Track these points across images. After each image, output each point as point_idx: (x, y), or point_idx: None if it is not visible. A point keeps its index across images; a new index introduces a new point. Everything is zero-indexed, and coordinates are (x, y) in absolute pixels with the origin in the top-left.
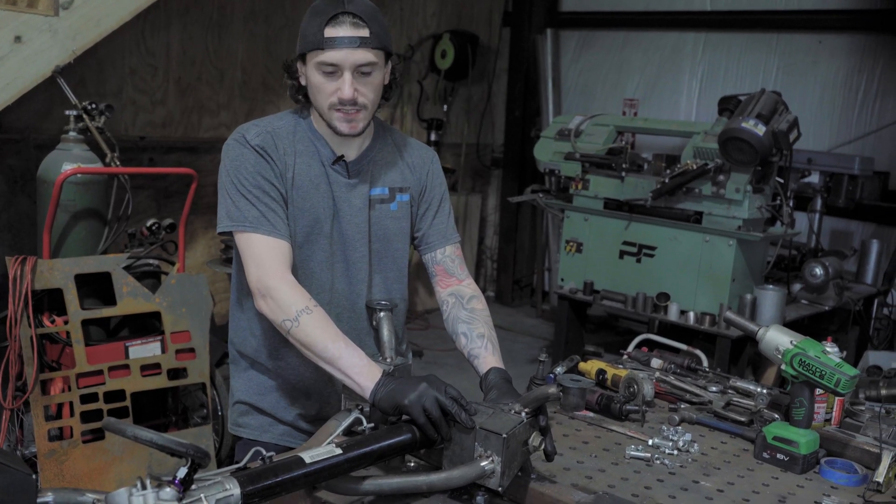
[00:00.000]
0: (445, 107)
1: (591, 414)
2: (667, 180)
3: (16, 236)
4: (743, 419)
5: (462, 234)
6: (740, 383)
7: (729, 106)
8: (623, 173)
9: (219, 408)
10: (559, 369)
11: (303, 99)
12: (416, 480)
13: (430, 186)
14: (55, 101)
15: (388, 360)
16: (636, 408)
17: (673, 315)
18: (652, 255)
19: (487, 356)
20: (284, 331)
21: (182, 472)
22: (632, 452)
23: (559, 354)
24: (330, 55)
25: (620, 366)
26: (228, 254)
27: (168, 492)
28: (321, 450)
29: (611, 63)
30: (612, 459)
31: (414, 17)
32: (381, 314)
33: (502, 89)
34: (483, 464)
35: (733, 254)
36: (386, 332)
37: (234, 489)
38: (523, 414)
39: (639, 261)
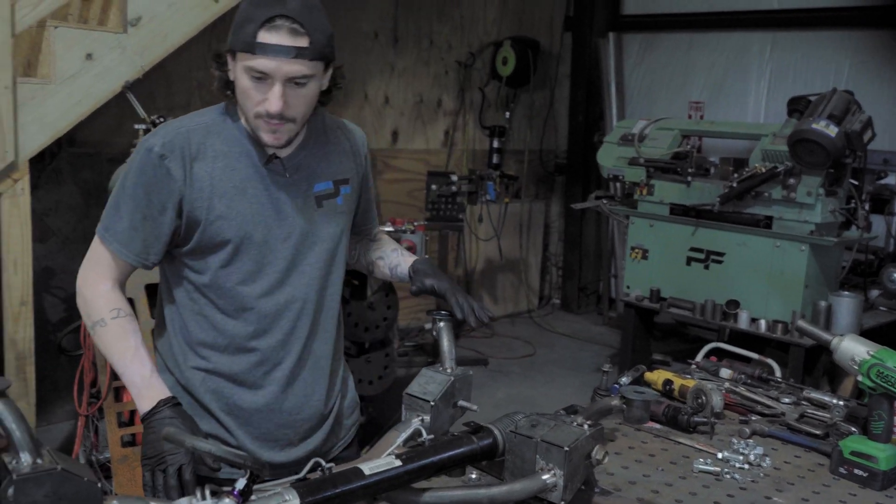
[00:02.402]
0: (507, 114)
1: (657, 426)
2: (734, 184)
3: None
4: (818, 432)
5: (526, 242)
6: (815, 394)
7: (798, 107)
8: (689, 178)
9: None
10: (624, 379)
11: (231, 94)
12: (476, 494)
13: (366, 171)
14: (125, 115)
15: (449, 370)
16: (705, 420)
17: (743, 323)
18: (720, 262)
19: (407, 258)
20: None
21: (241, 484)
22: (700, 466)
23: (626, 363)
24: (260, 63)
25: (688, 376)
26: None
27: (227, 502)
28: (381, 461)
29: (675, 65)
30: (679, 473)
31: (474, 24)
32: (441, 324)
33: (565, 95)
34: (545, 477)
35: (806, 259)
36: (445, 342)
37: (294, 500)
38: (586, 426)
39: (707, 267)
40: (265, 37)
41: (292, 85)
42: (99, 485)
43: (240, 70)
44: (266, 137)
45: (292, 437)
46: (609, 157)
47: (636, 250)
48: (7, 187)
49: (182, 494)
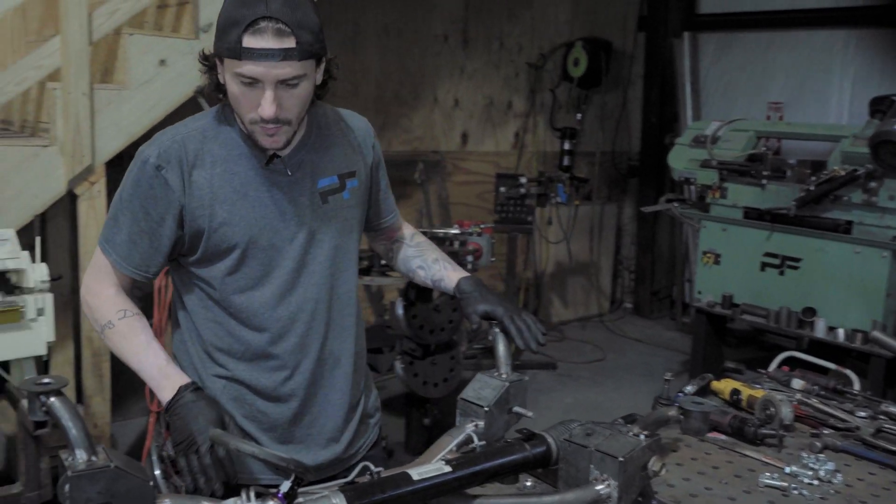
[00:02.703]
0: (579, 115)
1: (722, 437)
2: (812, 188)
3: None
4: (895, 448)
5: (598, 245)
6: (893, 408)
7: (881, 107)
8: (764, 181)
9: None
10: (689, 388)
11: (224, 97)
12: (527, 502)
13: (377, 162)
14: None
15: (504, 375)
16: (773, 432)
17: (820, 332)
18: (796, 268)
19: (450, 273)
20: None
21: (286, 486)
22: (766, 480)
23: (696, 371)
24: (248, 68)
25: (758, 386)
26: (360, 265)
27: None
28: (430, 467)
29: (753, 65)
30: (743, 487)
31: (545, 26)
32: (497, 329)
33: (638, 96)
34: (598, 487)
35: (888, 266)
36: (501, 348)
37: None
38: (642, 437)
39: (782, 273)
40: (250, 41)
41: (284, 87)
42: (151, 483)
43: (229, 76)
44: (264, 141)
45: (318, 439)
46: (681, 159)
47: (708, 255)
48: (84, 189)
49: (219, 473)
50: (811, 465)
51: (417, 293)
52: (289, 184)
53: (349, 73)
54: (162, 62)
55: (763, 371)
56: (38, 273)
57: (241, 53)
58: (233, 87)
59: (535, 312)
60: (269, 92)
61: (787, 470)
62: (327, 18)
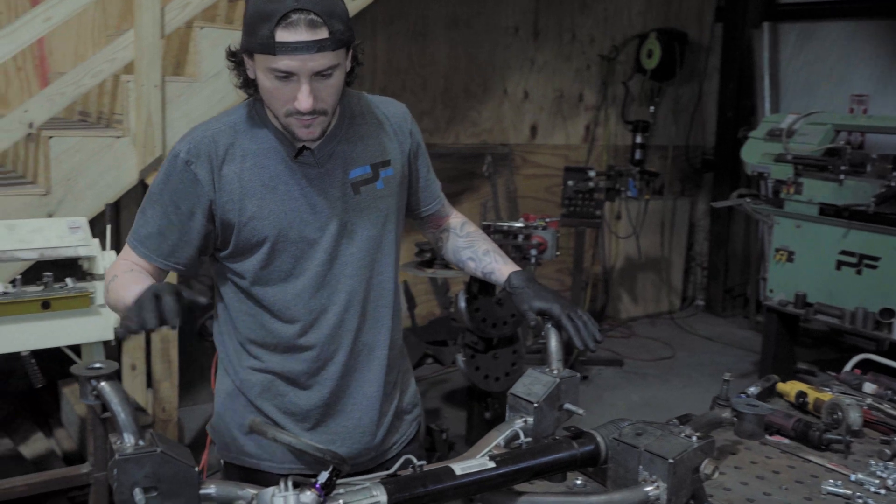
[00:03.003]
0: (652, 108)
1: (785, 441)
2: (893, 184)
3: None
4: None
5: (669, 240)
6: None
7: None
8: (841, 176)
9: None
10: (752, 389)
11: (253, 92)
12: (573, 501)
13: (417, 148)
14: None
15: (555, 371)
16: (839, 437)
17: None
18: (875, 267)
19: (501, 266)
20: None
21: (323, 477)
22: (829, 488)
23: (766, 371)
24: (283, 63)
25: (827, 389)
26: (423, 257)
27: (308, 495)
28: (473, 462)
29: (836, 56)
30: (804, 493)
31: (619, 17)
32: (550, 325)
33: (714, 88)
34: (647, 489)
35: None
36: (553, 343)
37: (381, 496)
38: (694, 438)
39: (859, 272)
40: (283, 35)
41: (318, 77)
42: (197, 469)
43: (261, 71)
44: (300, 133)
45: (352, 432)
46: (754, 153)
47: (781, 252)
48: None
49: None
50: (879, 473)
51: (480, 286)
52: (319, 176)
53: (417, 67)
54: None
55: (833, 374)
56: (107, 260)
57: (276, 48)
58: (266, 82)
59: (602, 308)
60: (304, 84)
61: (853, 478)
62: (396, 11)
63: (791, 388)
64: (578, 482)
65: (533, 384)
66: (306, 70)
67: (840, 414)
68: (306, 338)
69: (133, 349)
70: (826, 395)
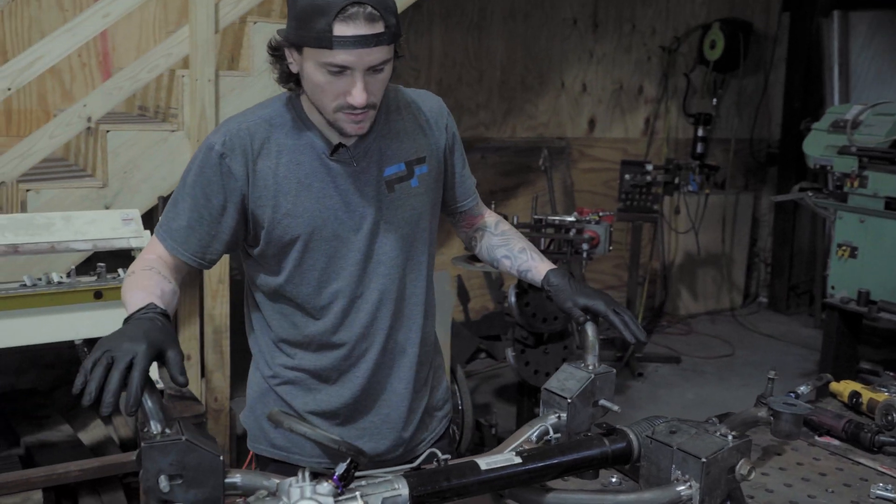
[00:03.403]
0: (714, 100)
1: (836, 442)
2: None
3: None
4: None
5: (730, 235)
6: None
7: None
8: None
9: (459, 402)
10: (802, 388)
11: (294, 86)
12: (602, 499)
13: (453, 143)
14: None
15: (590, 367)
16: (892, 439)
17: None
18: None
19: (537, 265)
20: None
21: (341, 469)
22: (879, 492)
23: (827, 371)
24: (340, 57)
25: (883, 389)
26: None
27: (325, 486)
28: (499, 457)
29: None
30: (852, 497)
31: (681, 7)
32: (587, 320)
33: (780, 80)
34: (679, 488)
35: None
36: (591, 338)
37: (403, 489)
38: (730, 437)
39: None
40: (341, 29)
41: (371, 72)
42: (222, 458)
43: (312, 65)
44: (349, 128)
45: (382, 428)
46: (817, 145)
47: (843, 248)
48: None
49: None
50: None
51: None
52: (354, 174)
53: (474, 60)
54: None
55: (892, 373)
56: None
57: (333, 42)
58: (317, 77)
59: (661, 305)
60: (359, 80)
61: None
62: (452, 3)
63: (844, 387)
64: (614, 480)
65: (567, 379)
66: (362, 64)
67: (894, 416)
68: (338, 335)
69: (188, 339)
70: (881, 396)
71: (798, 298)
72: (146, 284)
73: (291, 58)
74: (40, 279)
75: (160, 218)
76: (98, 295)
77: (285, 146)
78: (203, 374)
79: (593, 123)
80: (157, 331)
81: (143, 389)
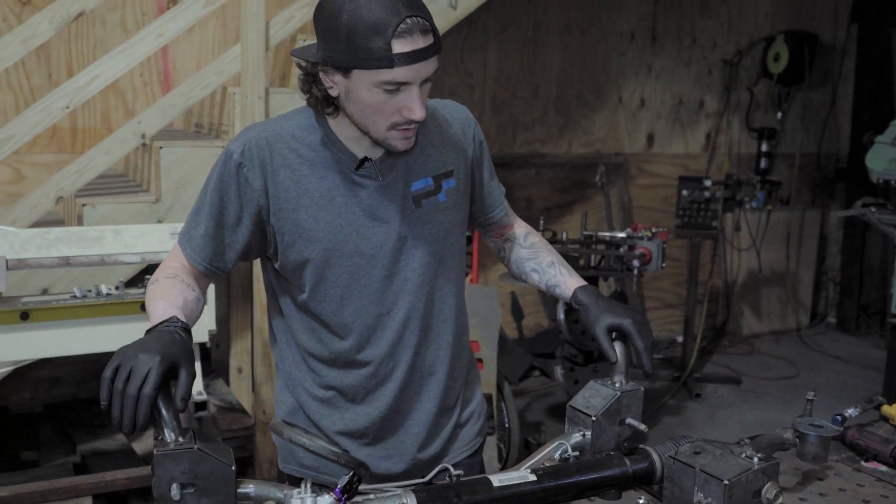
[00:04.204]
0: (780, 114)
1: (882, 467)
2: None
3: None
4: None
5: (796, 253)
6: None
7: None
8: None
9: (506, 419)
10: (851, 410)
11: (332, 111)
12: None
13: (480, 154)
14: None
15: (617, 384)
16: None
17: None
18: None
19: (566, 280)
20: None
21: (343, 481)
22: None
23: (892, 392)
24: (401, 73)
25: None
26: None
27: (326, 498)
28: (514, 474)
29: None
30: None
31: (743, 19)
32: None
33: (848, 92)
34: None
35: None
36: (618, 355)
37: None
38: (755, 459)
39: None
40: (400, 45)
41: (423, 84)
42: (234, 467)
43: (365, 86)
44: (401, 144)
45: (408, 445)
46: (880, 159)
47: None
48: None
49: (146, 412)
50: None
51: None
52: (378, 189)
53: (529, 74)
54: None
55: None
56: None
57: (394, 60)
58: (371, 97)
59: (723, 324)
60: (416, 93)
61: None
62: (508, 19)
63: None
64: (641, 501)
65: (593, 397)
66: (419, 78)
67: None
68: (364, 354)
69: (240, 353)
70: None
71: (869, 319)
72: (169, 294)
73: (331, 81)
74: (90, 291)
75: (184, 225)
76: (145, 307)
77: (307, 159)
78: (253, 388)
79: (652, 139)
80: (175, 345)
81: (151, 408)
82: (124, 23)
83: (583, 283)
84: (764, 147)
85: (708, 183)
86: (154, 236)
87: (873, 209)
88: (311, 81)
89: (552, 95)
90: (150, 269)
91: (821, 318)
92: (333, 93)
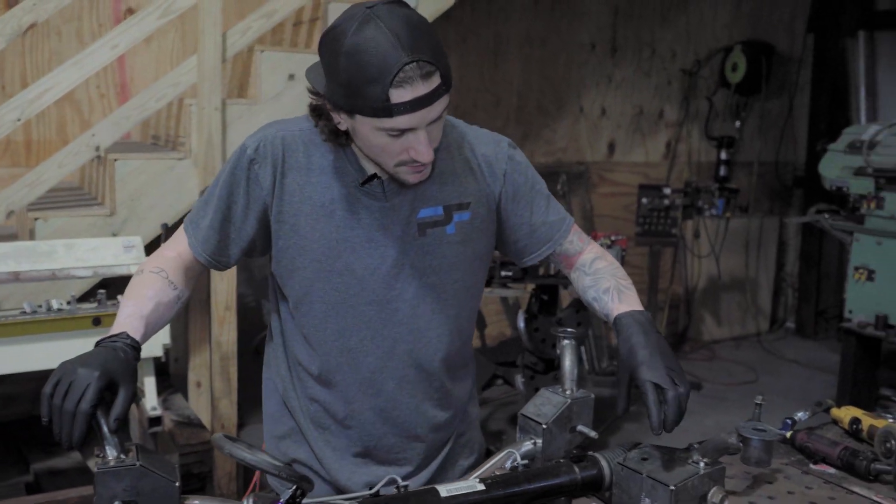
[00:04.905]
0: (738, 123)
1: (831, 470)
2: None
3: None
4: None
5: (755, 260)
6: None
7: None
8: None
9: None
10: (800, 414)
11: (345, 142)
12: None
13: (514, 192)
14: None
15: (568, 391)
16: (889, 467)
17: None
18: None
19: (615, 305)
20: None
21: (286, 495)
22: None
23: (844, 398)
24: (403, 121)
25: (889, 416)
26: (492, 272)
27: None
28: (461, 484)
29: None
30: None
31: (702, 30)
32: (565, 342)
33: (805, 102)
34: None
35: None
36: (568, 363)
37: None
38: (701, 464)
39: None
40: (399, 95)
41: (432, 124)
42: (177, 483)
43: (368, 129)
44: (412, 178)
45: (398, 471)
46: (833, 167)
47: (860, 271)
48: None
49: (81, 427)
50: None
51: (541, 306)
52: (381, 210)
53: (490, 85)
54: (291, 77)
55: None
56: None
57: (392, 110)
58: (375, 139)
59: (684, 330)
60: (423, 137)
61: None
62: (468, 30)
63: (845, 413)
64: None
65: (543, 405)
66: (424, 123)
67: (893, 443)
68: (343, 377)
69: (198, 366)
70: (882, 422)
71: (827, 323)
72: (144, 294)
73: (339, 118)
74: (40, 306)
75: (191, 210)
76: (97, 321)
77: (317, 166)
78: (212, 402)
79: (613, 148)
80: (117, 362)
81: (88, 425)
82: (80, 34)
83: (631, 308)
84: (723, 155)
85: (667, 191)
86: (108, 250)
87: (827, 216)
88: (318, 115)
89: (513, 106)
90: (104, 283)
91: (780, 324)
92: (342, 127)
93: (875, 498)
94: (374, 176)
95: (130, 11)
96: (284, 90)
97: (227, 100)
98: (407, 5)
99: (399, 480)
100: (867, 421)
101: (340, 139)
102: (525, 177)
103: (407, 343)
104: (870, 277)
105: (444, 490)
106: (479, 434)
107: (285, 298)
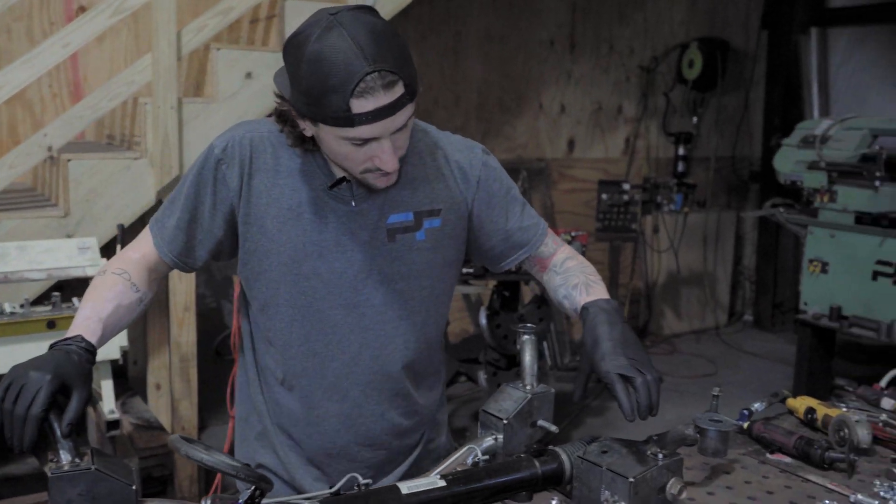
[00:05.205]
0: (695, 119)
1: (787, 459)
2: None
3: None
4: None
5: (713, 254)
6: None
7: None
8: (877, 183)
9: None
10: (757, 405)
11: (311, 147)
12: None
13: (489, 198)
14: None
15: (528, 387)
16: (842, 455)
17: None
18: None
19: (582, 298)
20: None
21: (245, 495)
22: None
23: (800, 388)
24: (365, 131)
25: (842, 405)
26: None
27: None
28: (422, 481)
29: (889, 61)
30: None
31: (659, 27)
32: (525, 338)
33: (760, 97)
34: None
35: None
36: (528, 358)
37: None
38: (660, 456)
39: None
40: (360, 105)
41: (397, 132)
42: (134, 487)
43: (332, 137)
44: (380, 183)
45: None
46: (787, 161)
47: (815, 263)
48: None
49: (33, 433)
50: (882, 493)
51: (503, 302)
52: (349, 214)
53: (450, 83)
54: (248, 75)
55: (850, 389)
56: None
57: (353, 120)
58: (339, 148)
59: (645, 325)
60: (387, 146)
61: (853, 498)
62: (428, 28)
63: (800, 403)
64: (554, 502)
65: (504, 400)
66: (388, 132)
67: (846, 431)
68: (308, 381)
69: (158, 368)
70: (835, 411)
71: (783, 316)
72: (104, 297)
73: (304, 124)
74: None
75: (158, 210)
76: (51, 325)
77: (286, 168)
78: (172, 404)
79: (573, 144)
80: (71, 365)
81: (39, 429)
82: (31, 33)
83: (596, 297)
84: (681, 151)
85: (626, 186)
86: (62, 251)
87: (782, 209)
88: (283, 121)
89: (473, 103)
90: (59, 286)
91: (738, 317)
92: (307, 134)
93: (829, 486)
94: (343, 179)
95: (83, 9)
96: (241, 88)
97: (183, 98)
98: (373, 11)
99: (360, 479)
100: (822, 410)
101: (307, 144)
102: (500, 183)
103: (373, 349)
104: (824, 270)
105: (405, 487)
106: (449, 440)
107: (252, 302)
